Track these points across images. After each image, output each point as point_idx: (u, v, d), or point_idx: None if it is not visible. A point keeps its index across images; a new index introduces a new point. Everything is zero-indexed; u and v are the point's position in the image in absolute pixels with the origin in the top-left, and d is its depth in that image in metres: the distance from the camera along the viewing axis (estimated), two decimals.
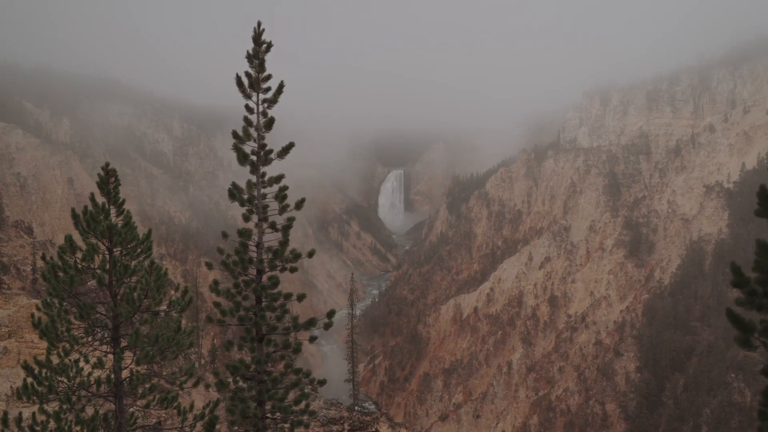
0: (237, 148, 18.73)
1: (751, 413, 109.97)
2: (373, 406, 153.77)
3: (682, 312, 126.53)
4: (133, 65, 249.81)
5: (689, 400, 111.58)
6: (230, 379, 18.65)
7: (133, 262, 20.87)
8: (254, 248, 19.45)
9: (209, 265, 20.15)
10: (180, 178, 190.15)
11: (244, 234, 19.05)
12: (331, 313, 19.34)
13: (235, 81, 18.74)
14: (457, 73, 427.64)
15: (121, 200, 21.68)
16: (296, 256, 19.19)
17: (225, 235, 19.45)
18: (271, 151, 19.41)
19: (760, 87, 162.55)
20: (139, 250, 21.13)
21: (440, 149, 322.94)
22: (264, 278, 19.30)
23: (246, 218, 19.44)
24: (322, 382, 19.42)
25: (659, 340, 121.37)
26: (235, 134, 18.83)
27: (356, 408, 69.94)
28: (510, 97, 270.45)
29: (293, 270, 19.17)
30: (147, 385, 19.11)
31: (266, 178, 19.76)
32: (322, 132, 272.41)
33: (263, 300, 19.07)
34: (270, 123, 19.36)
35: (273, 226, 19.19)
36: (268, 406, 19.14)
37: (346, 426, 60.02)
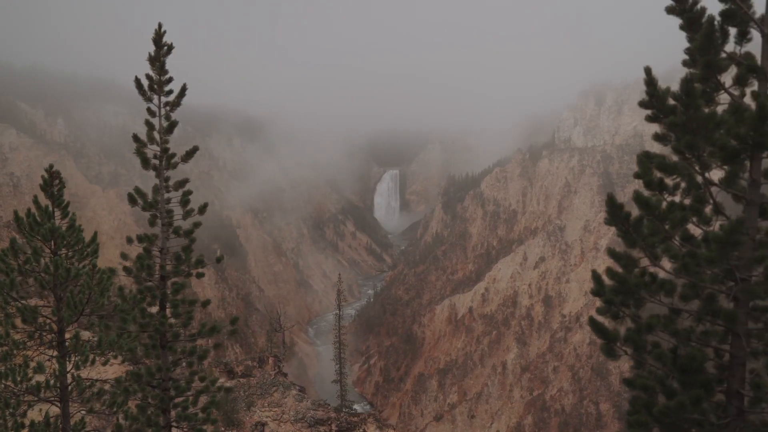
0: (139, 152, 18.45)
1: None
2: (368, 407, 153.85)
3: None
4: (128, 65, 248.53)
5: None
6: (133, 387, 18.28)
7: (80, 265, 20.58)
8: (158, 254, 19.04)
9: (112, 271, 19.84)
10: (175, 178, 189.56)
11: (146, 239, 18.58)
12: (234, 320, 19.18)
13: (135, 84, 18.50)
14: (453, 73, 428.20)
15: (65, 202, 21.48)
16: (198, 261, 18.87)
17: (129, 241, 19.19)
18: (174, 155, 19.01)
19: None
20: (86, 252, 20.88)
21: (435, 149, 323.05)
22: (168, 284, 18.91)
23: (151, 223, 19.00)
24: (229, 390, 19.19)
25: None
26: (135, 138, 18.57)
27: (344, 409, 69.91)
28: (505, 96, 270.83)
29: (199, 276, 18.89)
30: (94, 390, 18.82)
31: (171, 183, 19.18)
32: (318, 132, 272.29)
33: (167, 307, 18.71)
34: (172, 126, 18.90)
35: (177, 231, 18.79)
36: (173, 414, 18.84)
37: (333, 427, 59.91)
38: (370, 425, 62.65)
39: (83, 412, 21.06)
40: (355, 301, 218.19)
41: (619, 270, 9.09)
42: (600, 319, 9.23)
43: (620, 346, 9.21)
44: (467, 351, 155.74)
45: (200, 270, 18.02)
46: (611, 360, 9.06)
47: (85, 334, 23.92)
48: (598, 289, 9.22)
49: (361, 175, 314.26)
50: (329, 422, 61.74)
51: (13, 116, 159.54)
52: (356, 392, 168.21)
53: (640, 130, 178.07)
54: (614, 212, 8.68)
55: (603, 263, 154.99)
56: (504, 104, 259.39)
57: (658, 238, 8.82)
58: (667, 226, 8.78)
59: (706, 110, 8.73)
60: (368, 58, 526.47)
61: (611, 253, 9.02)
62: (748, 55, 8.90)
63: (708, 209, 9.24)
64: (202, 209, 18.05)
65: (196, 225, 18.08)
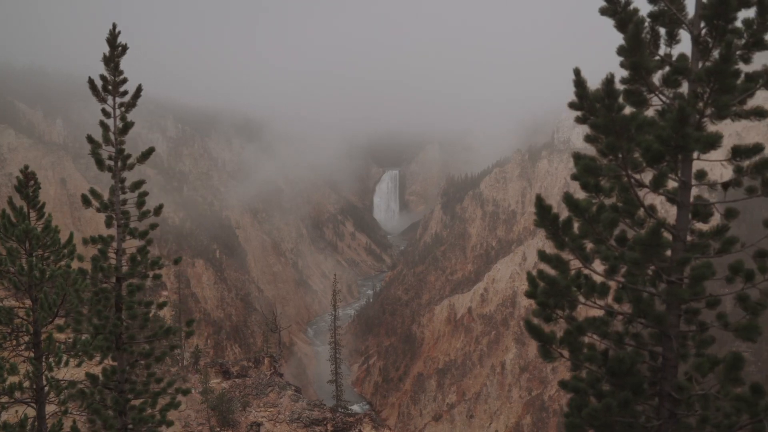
0: (94, 153, 18.39)
1: None
2: (367, 407, 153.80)
3: None
4: (127, 65, 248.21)
5: None
6: (90, 390, 18.13)
7: (56, 266, 20.50)
8: (114, 255, 18.92)
9: (84, 272, 19.70)
10: (174, 178, 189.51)
11: (100, 241, 18.49)
12: (190, 322, 19.11)
13: (89, 84, 18.41)
14: (452, 73, 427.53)
15: (41, 203, 21.46)
16: (154, 262, 18.73)
17: (85, 242, 19.02)
18: (129, 156, 18.93)
19: None
20: (62, 254, 20.82)
21: (435, 149, 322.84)
22: (123, 286, 18.86)
23: (108, 224, 18.88)
24: (185, 392, 19.05)
25: None
26: (89, 139, 18.51)
27: (339, 409, 69.83)
28: (504, 97, 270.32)
29: (157, 277, 18.76)
30: (72, 391, 18.74)
31: (127, 184, 19.16)
32: (317, 132, 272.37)
33: (122, 308, 18.55)
34: (126, 127, 18.90)
35: (132, 232, 18.63)
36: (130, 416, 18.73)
37: (329, 427, 59.90)
38: (366, 425, 62.70)
39: (59, 413, 21.05)
40: (355, 302, 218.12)
41: (552, 272, 9.04)
42: (537, 321, 9.18)
43: (556, 348, 9.16)
44: (466, 351, 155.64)
45: (157, 271, 17.86)
46: (547, 362, 8.99)
47: (61, 336, 23.94)
48: (532, 291, 9.17)
49: (360, 175, 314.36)
50: (325, 422, 61.79)
51: (12, 117, 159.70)
52: (355, 392, 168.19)
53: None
54: (542, 214, 8.66)
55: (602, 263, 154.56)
56: (503, 105, 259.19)
57: (588, 240, 8.78)
58: (598, 228, 8.73)
59: (640, 113, 8.71)
60: (367, 58, 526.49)
61: (541, 255, 9.00)
62: (682, 57, 8.86)
63: (641, 211, 9.21)
64: (158, 210, 17.92)
65: (153, 226, 17.95)
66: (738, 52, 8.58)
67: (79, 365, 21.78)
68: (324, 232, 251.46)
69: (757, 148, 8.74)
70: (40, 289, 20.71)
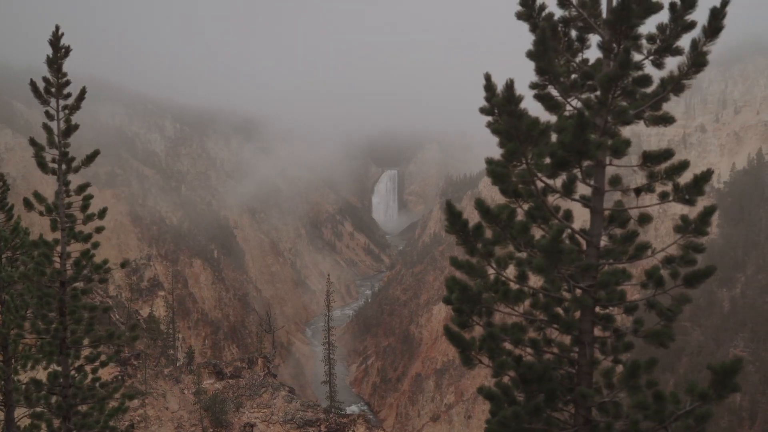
0: (37, 156, 18.25)
1: (741, 413, 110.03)
2: (365, 407, 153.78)
3: None
4: (124, 66, 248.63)
5: None
6: (35, 395, 17.98)
7: (26, 268, 20.38)
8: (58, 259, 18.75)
9: (6, 278, 19.51)
10: (172, 178, 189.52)
11: (43, 245, 18.36)
12: (133, 327, 18.99)
13: (30, 87, 18.25)
14: (451, 72, 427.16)
15: (9, 205, 21.41)
16: (97, 267, 18.60)
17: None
18: (73, 159, 18.83)
19: (751, 87, 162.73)
20: (32, 255, 20.70)
21: (434, 149, 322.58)
22: (68, 290, 18.67)
23: (53, 227, 18.77)
24: (132, 397, 18.88)
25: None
26: (32, 141, 18.34)
27: (333, 410, 69.85)
28: None
29: (102, 281, 18.66)
30: (41, 393, 18.64)
31: (72, 187, 19.06)
32: (315, 132, 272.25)
33: (66, 312, 18.38)
34: (69, 130, 18.72)
35: (75, 236, 18.54)
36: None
37: (322, 428, 59.88)
38: (360, 426, 62.72)
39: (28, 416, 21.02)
40: (353, 302, 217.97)
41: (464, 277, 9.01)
42: (456, 327, 9.13)
43: (476, 354, 9.12)
44: None
45: (104, 275, 17.78)
46: (469, 369, 8.95)
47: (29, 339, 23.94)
48: (448, 297, 9.13)
49: (359, 175, 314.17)
50: (318, 423, 61.83)
51: (10, 117, 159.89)
52: (353, 393, 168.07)
53: (638, 131, 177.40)
54: (452, 220, 8.63)
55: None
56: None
57: (502, 246, 8.74)
58: (512, 234, 8.69)
59: (562, 117, 8.67)
60: (366, 58, 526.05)
61: (453, 261, 8.96)
62: (595, 63, 8.80)
63: (557, 218, 9.15)
64: (102, 213, 17.83)
65: (99, 230, 17.86)
66: (650, 57, 8.54)
67: (46, 368, 21.77)
68: (322, 232, 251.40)
69: (668, 154, 8.71)
70: (8, 291, 20.70)
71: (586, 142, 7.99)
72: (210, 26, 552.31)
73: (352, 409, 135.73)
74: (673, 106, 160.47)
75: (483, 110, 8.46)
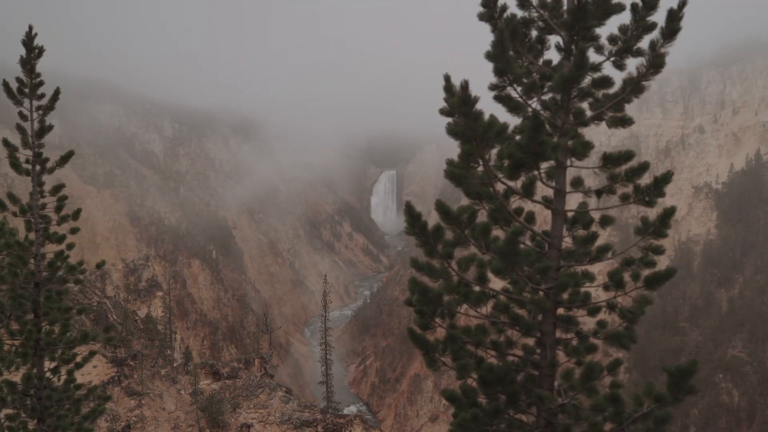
0: (11, 157, 18.20)
1: (739, 413, 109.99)
2: (364, 407, 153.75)
3: (670, 312, 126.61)
4: (123, 65, 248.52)
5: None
6: (9, 397, 17.87)
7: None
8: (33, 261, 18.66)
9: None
10: (170, 178, 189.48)
11: (17, 246, 18.23)
12: (107, 328, 18.94)
13: (3, 87, 18.24)
14: (450, 72, 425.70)
15: None
16: (72, 268, 18.48)
17: None
18: (47, 160, 18.80)
19: (749, 88, 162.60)
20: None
21: (433, 150, 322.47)
22: (42, 291, 18.57)
23: (28, 228, 18.68)
24: (106, 398, 18.79)
25: (648, 341, 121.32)
26: (5, 142, 18.32)
27: (330, 410, 69.78)
28: None
29: (77, 282, 18.60)
30: (16, 395, 18.53)
31: (46, 188, 18.91)
32: (314, 132, 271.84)
33: (40, 314, 18.28)
34: (43, 131, 18.72)
35: (50, 237, 18.42)
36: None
37: (319, 428, 59.85)
38: (357, 426, 62.69)
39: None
40: (352, 302, 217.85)
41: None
42: (419, 329, 9.10)
43: (439, 356, 9.10)
44: None
45: (78, 277, 17.71)
46: (433, 370, 8.92)
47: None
48: (410, 299, 9.11)
49: (357, 175, 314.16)
50: (315, 424, 61.80)
51: (8, 117, 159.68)
52: (352, 393, 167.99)
53: (636, 131, 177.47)
54: (412, 222, 8.60)
55: (598, 264, 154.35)
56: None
57: (462, 248, 8.72)
58: (474, 236, 8.66)
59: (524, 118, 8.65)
60: (365, 58, 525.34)
61: (414, 262, 8.93)
62: (555, 65, 8.77)
63: (521, 219, 9.13)
64: (76, 215, 17.76)
65: (74, 231, 17.80)
66: (612, 59, 8.51)
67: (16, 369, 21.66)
68: (321, 232, 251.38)
69: (627, 156, 8.68)
70: None
71: (542, 143, 7.96)
72: (209, 26, 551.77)
73: (351, 409, 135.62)
74: (671, 106, 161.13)
75: (442, 111, 8.44)
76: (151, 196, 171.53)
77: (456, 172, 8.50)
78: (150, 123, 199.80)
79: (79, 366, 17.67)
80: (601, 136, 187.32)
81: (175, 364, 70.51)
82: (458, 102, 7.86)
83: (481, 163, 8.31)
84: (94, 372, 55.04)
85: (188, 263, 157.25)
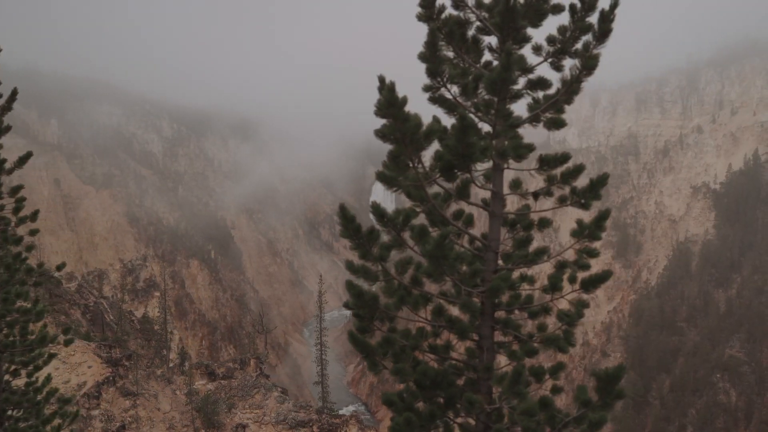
0: None
1: (737, 413, 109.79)
2: (362, 407, 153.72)
3: (668, 312, 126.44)
4: (122, 66, 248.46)
5: (675, 400, 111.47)
6: None
7: None
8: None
9: None
10: (169, 178, 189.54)
11: None
12: (66, 330, 18.78)
13: None
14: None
15: None
16: (29, 270, 18.41)
17: None
18: (5, 160, 18.79)
19: (748, 88, 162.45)
20: None
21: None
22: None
23: None
24: (67, 401, 18.70)
25: (646, 341, 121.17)
26: None
27: (325, 410, 69.63)
28: None
29: (38, 284, 18.59)
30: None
31: (5, 190, 18.92)
32: (312, 132, 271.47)
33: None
34: (0, 132, 18.69)
35: (7, 239, 18.35)
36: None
37: (314, 429, 59.77)
38: (352, 426, 62.56)
39: None
40: None
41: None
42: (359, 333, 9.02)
43: (380, 360, 9.03)
44: None
45: (39, 279, 17.64)
46: (376, 374, 8.86)
47: None
48: (346, 302, 9.05)
49: (356, 175, 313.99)
50: (310, 424, 61.68)
51: (6, 117, 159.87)
52: (351, 393, 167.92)
53: (635, 131, 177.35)
54: (346, 224, 8.54)
55: (596, 264, 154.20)
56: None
57: (400, 251, 8.65)
58: (411, 239, 8.61)
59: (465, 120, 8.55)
60: (364, 57, 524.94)
61: (349, 265, 8.87)
62: (492, 66, 8.69)
63: (459, 223, 9.06)
64: (34, 216, 17.70)
65: (33, 232, 17.74)
66: (549, 60, 8.43)
67: None
68: (320, 232, 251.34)
69: (564, 158, 8.61)
70: None
71: (470, 145, 7.88)
72: (207, 27, 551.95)
73: (349, 409, 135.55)
74: (670, 106, 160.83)
75: (377, 114, 8.37)
76: (149, 197, 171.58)
77: (386, 175, 8.45)
78: (149, 123, 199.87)
79: (38, 368, 17.59)
80: (600, 136, 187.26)
81: (171, 365, 70.46)
82: (384, 103, 7.80)
83: (411, 165, 8.23)
84: (89, 372, 55.02)
85: (187, 263, 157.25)
